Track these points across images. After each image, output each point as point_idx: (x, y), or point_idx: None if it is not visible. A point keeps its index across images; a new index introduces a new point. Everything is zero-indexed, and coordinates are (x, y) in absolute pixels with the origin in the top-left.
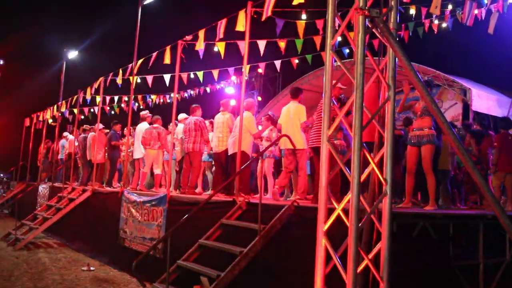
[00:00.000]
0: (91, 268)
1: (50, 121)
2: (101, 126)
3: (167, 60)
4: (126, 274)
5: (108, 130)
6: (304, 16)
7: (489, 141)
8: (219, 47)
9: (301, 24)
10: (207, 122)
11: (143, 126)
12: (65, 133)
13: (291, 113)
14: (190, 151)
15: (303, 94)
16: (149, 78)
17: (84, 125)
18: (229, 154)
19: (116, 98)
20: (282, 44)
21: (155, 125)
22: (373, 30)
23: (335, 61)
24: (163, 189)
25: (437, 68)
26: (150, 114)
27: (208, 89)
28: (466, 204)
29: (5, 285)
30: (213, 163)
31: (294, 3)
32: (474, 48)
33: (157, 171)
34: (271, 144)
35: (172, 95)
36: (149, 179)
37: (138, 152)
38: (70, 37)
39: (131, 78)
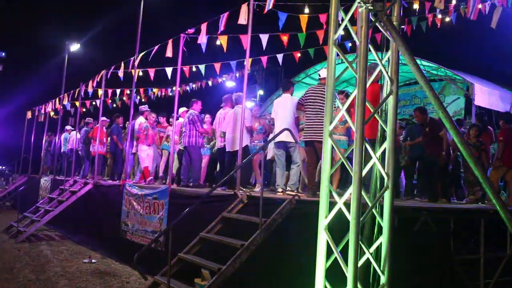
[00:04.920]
0: (93, 261)
1: (52, 114)
2: (104, 118)
3: (169, 53)
4: (128, 266)
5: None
6: (307, 10)
7: (488, 136)
8: (221, 40)
9: (304, 18)
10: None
11: (140, 121)
12: (67, 127)
13: (286, 106)
14: (187, 145)
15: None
16: (151, 71)
17: (87, 118)
18: (227, 151)
19: (118, 91)
20: (284, 37)
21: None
22: (376, 24)
23: (338, 55)
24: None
25: (440, 63)
26: (148, 109)
27: (210, 83)
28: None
29: (7, 277)
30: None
31: None
32: (477, 43)
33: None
34: (272, 138)
35: (173, 88)
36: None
37: (134, 147)
38: (72, 30)
39: (133, 71)
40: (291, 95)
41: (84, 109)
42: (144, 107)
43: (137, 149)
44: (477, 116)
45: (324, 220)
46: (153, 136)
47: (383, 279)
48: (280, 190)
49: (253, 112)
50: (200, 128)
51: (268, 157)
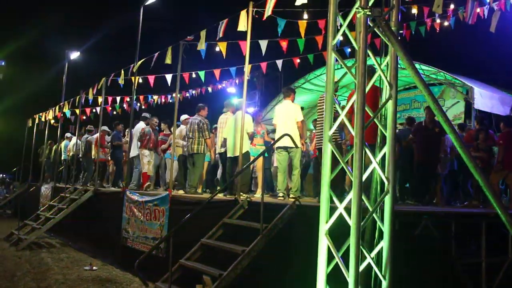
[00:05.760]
0: (94, 268)
1: (52, 121)
2: (104, 128)
3: (168, 60)
4: (129, 273)
5: (110, 131)
6: (305, 16)
7: (490, 140)
8: (221, 47)
9: (302, 24)
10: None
11: (140, 126)
12: (67, 134)
13: (287, 112)
14: (194, 152)
15: (306, 95)
16: (151, 78)
17: (88, 126)
18: (228, 156)
19: (118, 98)
20: (283, 43)
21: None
22: (375, 29)
23: (337, 60)
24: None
25: (439, 67)
26: (148, 116)
27: (209, 89)
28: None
29: (8, 285)
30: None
31: (297, 3)
32: (476, 47)
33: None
34: (274, 143)
35: (173, 95)
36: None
37: (134, 150)
38: (72, 38)
39: (132, 78)
40: (292, 101)
41: (84, 117)
42: (147, 114)
43: (138, 152)
44: (477, 119)
45: (325, 225)
46: (154, 141)
47: (384, 284)
48: (281, 195)
49: (256, 117)
50: (207, 137)
51: (275, 164)
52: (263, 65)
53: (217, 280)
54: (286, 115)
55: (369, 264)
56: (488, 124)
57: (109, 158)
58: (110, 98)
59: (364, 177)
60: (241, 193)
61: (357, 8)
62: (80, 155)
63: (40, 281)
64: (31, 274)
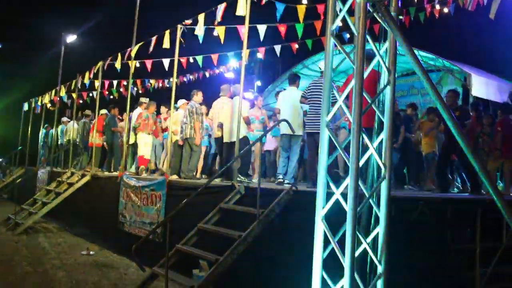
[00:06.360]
0: (91, 253)
1: (49, 105)
2: (104, 111)
3: (166, 44)
4: (126, 258)
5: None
6: (304, 1)
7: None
8: (219, 31)
9: (301, 9)
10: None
11: (137, 111)
12: (64, 118)
13: (290, 99)
14: (188, 137)
15: (304, 81)
16: (148, 63)
17: (85, 110)
18: (225, 142)
19: (115, 82)
20: (282, 28)
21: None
22: (374, 14)
23: (336, 45)
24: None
25: (437, 53)
26: (146, 101)
27: (207, 74)
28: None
29: (5, 269)
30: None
31: None
32: (475, 34)
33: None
34: (270, 129)
35: (171, 79)
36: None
37: (132, 136)
38: (69, 21)
39: (130, 62)
40: (297, 88)
41: (81, 101)
42: (145, 99)
43: (135, 138)
44: (472, 105)
45: (321, 210)
46: (152, 126)
47: (380, 269)
48: (281, 177)
49: (257, 102)
50: (195, 120)
51: (266, 148)
52: (261, 50)
53: (214, 265)
54: (291, 101)
55: (365, 249)
56: (482, 111)
57: (105, 142)
58: (107, 82)
59: (361, 162)
60: (239, 176)
61: None
62: (77, 140)
63: (37, 266)
64: (28, 259)
